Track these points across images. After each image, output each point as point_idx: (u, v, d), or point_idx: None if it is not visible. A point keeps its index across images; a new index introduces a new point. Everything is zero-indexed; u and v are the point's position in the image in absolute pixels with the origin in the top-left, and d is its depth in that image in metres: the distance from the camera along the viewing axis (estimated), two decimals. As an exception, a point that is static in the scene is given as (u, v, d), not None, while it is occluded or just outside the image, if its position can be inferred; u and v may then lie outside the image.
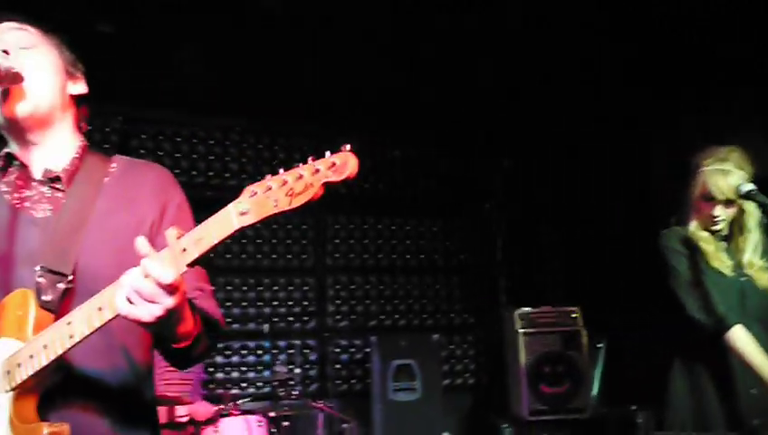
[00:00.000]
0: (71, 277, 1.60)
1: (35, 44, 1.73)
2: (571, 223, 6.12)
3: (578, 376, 5.16)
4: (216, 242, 1.35)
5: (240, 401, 4.55)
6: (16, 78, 1.64)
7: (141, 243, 1.39)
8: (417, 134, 5.97)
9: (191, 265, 1.37)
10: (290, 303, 5.73)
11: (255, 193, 1.33)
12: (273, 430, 4.32)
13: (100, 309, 1.44)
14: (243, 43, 4.64)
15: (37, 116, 1.70)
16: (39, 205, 1.70)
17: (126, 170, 1.80)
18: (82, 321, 1.46)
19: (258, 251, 5.70)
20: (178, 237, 1.37)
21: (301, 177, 1.30)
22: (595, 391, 5.22)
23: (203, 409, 4.21)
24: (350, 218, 6.01)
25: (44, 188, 1.72)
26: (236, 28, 4.48)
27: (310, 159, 1.34)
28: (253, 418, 4.21)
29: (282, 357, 5.51)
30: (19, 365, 1.51)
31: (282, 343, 5.61)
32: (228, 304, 5.54)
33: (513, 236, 6.37)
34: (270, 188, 1.32)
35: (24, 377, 1.51)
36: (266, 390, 5.37)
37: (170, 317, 1.41)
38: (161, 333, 1.51)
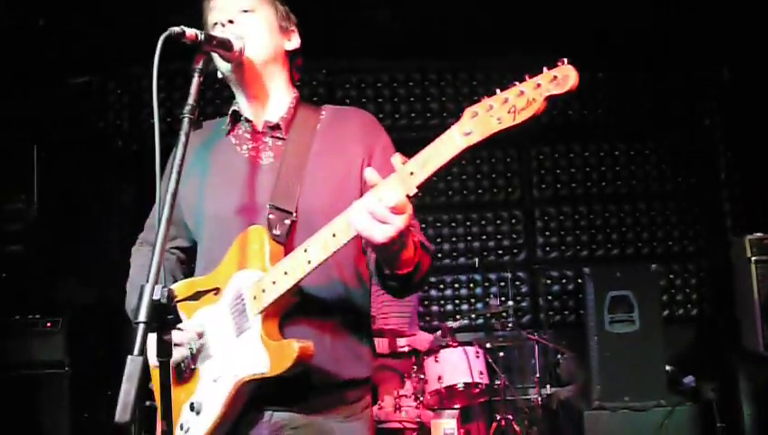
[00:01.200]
0: (295, 214, 1.78)
1: (254, 7, 1.88)
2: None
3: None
4: (442, 163, 1.41)
5: (456, 325, 4.69)
6: (242, 50, 1.81)
7: (370, 172, 1.50)
8: (621, 52, 5.56)
9: (419, 186, 1.44)
10: (499, 236, 5.75)
11: (477, 113, 1.36)
12: (489, 360, 4.41)
13: (334, 235, 1.58)
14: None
15: (258, 75, 1.88)
16: (264, 153, 1.90)
17: (334, 117, 1.95)
18: (318, 247, 1.60)
19: (464, 187, 5.75)
20: (404, 163, 1.45)
21: (522, 93, 1.30)
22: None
23: (423, 340, 4.40)
24: (555, 148, 5.81)
25: (267, 138, 1.92)
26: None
27: (527, 76, 1.34)
28: (471, 348, 4.31)
29: (494, 290, 5.58)
30: (264, 291, 1.69)
31: (493, 276, 5.66)
32: (439, 240, 5.69)
33: (737, 155, 5.79)
34: (491, 108, 1.34)
35: (270, 300, 1.68)
36: (480, 322, 5.47)
37: (399, 239, 1.50)
38: (388, 255, 1.61)
